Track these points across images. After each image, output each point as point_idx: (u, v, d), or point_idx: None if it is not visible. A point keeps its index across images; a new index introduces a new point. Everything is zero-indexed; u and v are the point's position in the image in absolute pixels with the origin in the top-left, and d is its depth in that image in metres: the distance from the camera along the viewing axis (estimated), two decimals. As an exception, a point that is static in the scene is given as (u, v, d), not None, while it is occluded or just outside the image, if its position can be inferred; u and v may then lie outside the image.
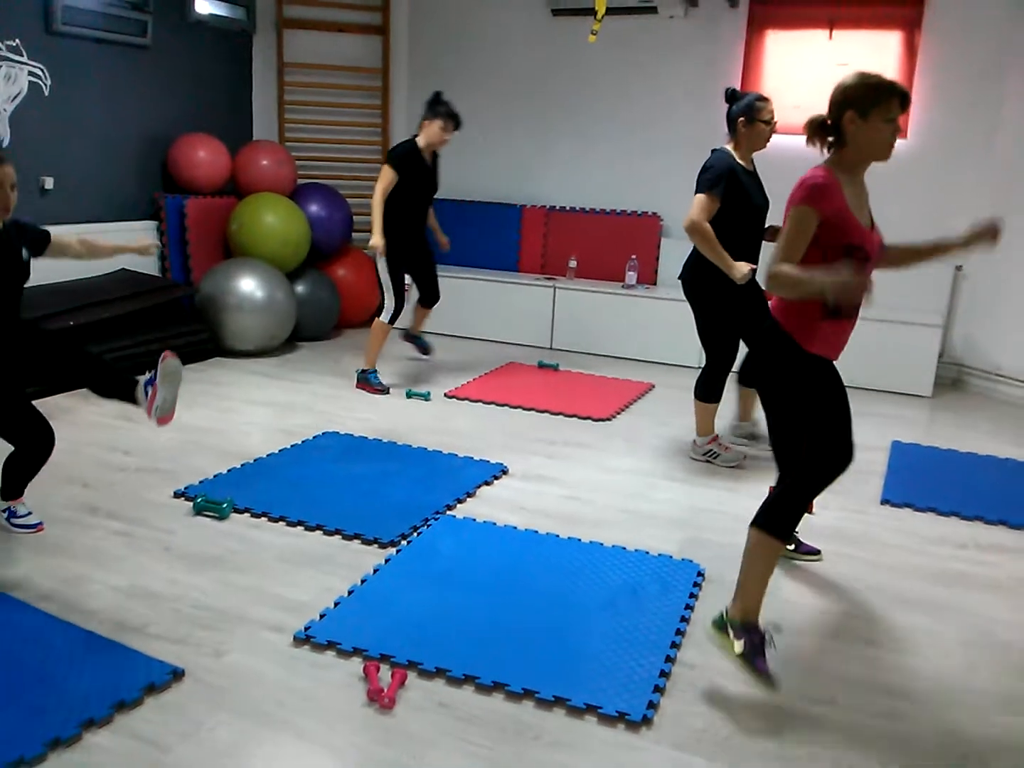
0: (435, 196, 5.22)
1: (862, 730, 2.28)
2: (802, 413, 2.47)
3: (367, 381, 5.18)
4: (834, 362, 2.51)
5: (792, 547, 3.22)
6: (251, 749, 2.10)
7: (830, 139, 2.50)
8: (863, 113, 2.39)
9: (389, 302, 5.08)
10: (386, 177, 4.85)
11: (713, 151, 3.95)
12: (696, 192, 3.85)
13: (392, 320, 5.10)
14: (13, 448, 3.07)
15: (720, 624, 2.47)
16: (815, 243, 2.40)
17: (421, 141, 4.97)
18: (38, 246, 3.07)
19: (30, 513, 3.18)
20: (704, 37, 6.29)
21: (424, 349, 5.79)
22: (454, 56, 7.06)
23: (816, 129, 2.53)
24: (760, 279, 2.91)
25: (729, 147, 3.95)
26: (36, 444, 3.05)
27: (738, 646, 2.40)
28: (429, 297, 5.41)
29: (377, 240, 4.81)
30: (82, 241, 3.26)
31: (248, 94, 6.92)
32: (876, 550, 3.35)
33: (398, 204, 4.94)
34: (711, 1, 6.18)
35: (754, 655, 2.38)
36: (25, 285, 3.01)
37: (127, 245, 3.40)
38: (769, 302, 2.75)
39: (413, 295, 5.44)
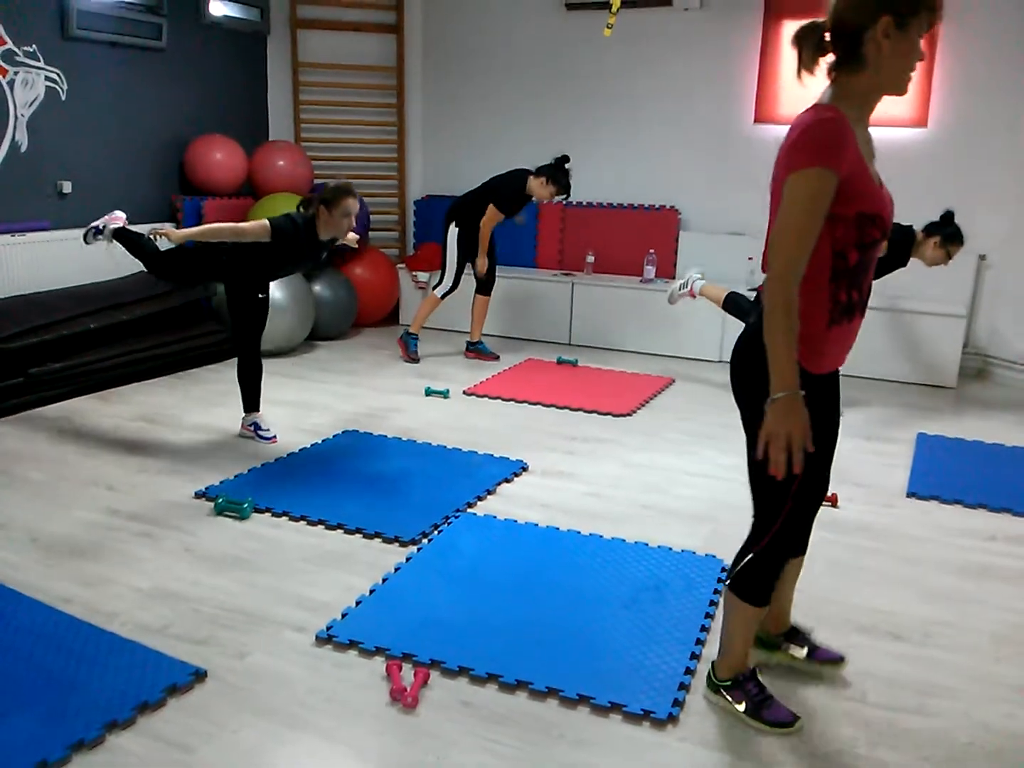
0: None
1: (892, 725, 2.24)
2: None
3: (406, 344, 5.78)
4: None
5: (805, 652, 2.44)
6: (275, 750, 2.09)
7: (833, 59, 1.81)
8: (902, 23, 1.70)
9: (448, 281, 5.64)
10: (495, 219, 5.49)
11: None
12: None
13: (444, 296, 5.69)
14: (238, 360, 4.20)
15: (714, 687, 2.29)
16: None
17: (530, 187, 5.48)
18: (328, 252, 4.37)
19: (269, 429, 4.18)
20: (720, 29, 6.23)
21: (490, 355, 5.97)
22: (468, 53, 7.04)
23: (818, 43, 1.79)
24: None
25: None
26: (253, 359, 4.21)
27: (739, 706, 2.23)
28: (489, 284, 5.87)
29: (482, 263, 5.62)
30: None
31: (263, 95, 6.92)
32: (903, 543, 3.31)
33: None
34: (726, -8, 6.13)
35: (759, 708, 2.21)
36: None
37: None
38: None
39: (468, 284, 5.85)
